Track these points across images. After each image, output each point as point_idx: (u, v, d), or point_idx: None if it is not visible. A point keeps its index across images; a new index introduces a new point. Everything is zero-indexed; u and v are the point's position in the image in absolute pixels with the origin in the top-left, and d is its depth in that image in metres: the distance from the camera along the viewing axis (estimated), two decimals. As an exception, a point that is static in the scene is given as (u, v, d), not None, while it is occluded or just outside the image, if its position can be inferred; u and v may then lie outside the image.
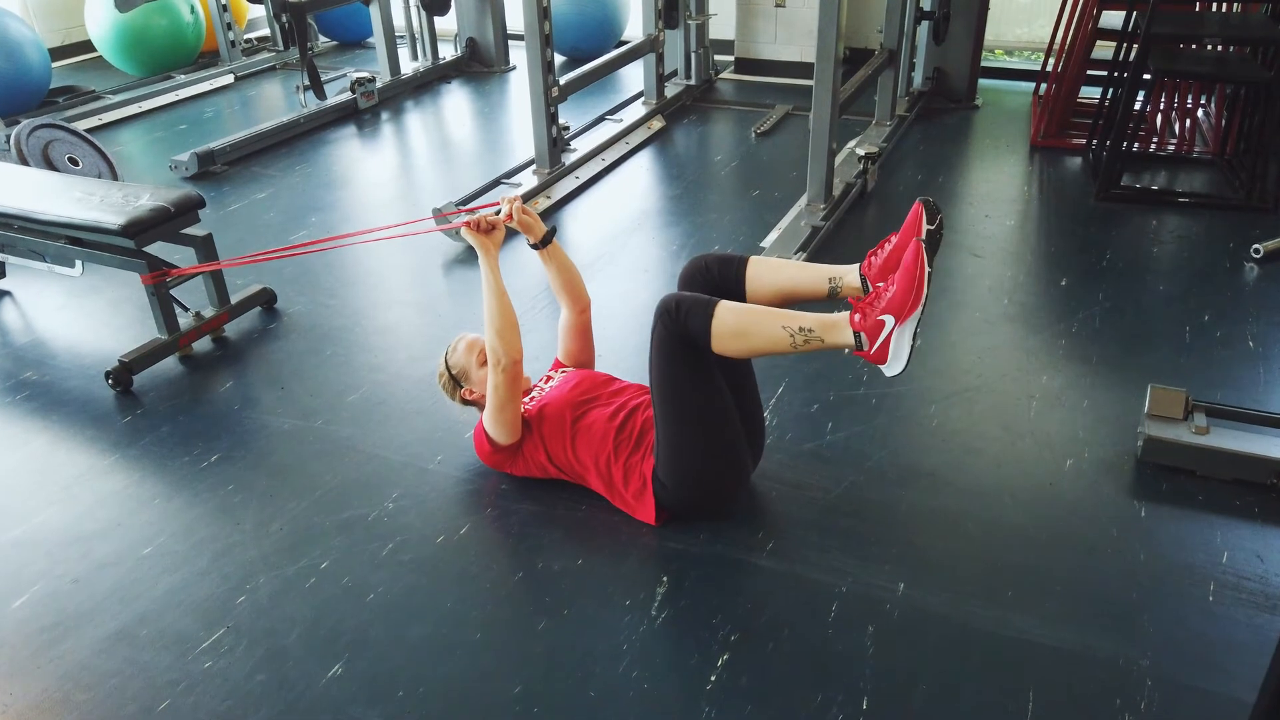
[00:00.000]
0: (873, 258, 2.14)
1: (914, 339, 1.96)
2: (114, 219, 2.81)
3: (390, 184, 4.66)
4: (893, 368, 1.99)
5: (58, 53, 6.65)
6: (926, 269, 1.91)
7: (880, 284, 2.01)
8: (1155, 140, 4.66)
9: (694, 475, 2.21)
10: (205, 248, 3.04)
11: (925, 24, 4.99)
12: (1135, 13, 4.32)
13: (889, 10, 4.57)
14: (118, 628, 2.07)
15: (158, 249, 2.98)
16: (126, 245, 2.85)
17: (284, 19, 5.05)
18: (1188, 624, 2.00)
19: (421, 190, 4.57)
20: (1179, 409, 2.49)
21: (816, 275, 2.21)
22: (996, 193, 4.26)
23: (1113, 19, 4.56)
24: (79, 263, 3.02)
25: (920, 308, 1.93)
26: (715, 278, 2.25)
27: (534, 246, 2.46)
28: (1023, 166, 4.53)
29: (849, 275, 2.17)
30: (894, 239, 2.08)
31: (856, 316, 1.99)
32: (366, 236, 3.04)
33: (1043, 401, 2.75)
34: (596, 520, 2.33)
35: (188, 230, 3.02)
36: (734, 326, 2.05)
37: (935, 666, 1.93)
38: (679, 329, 2.08)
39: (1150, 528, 2.28)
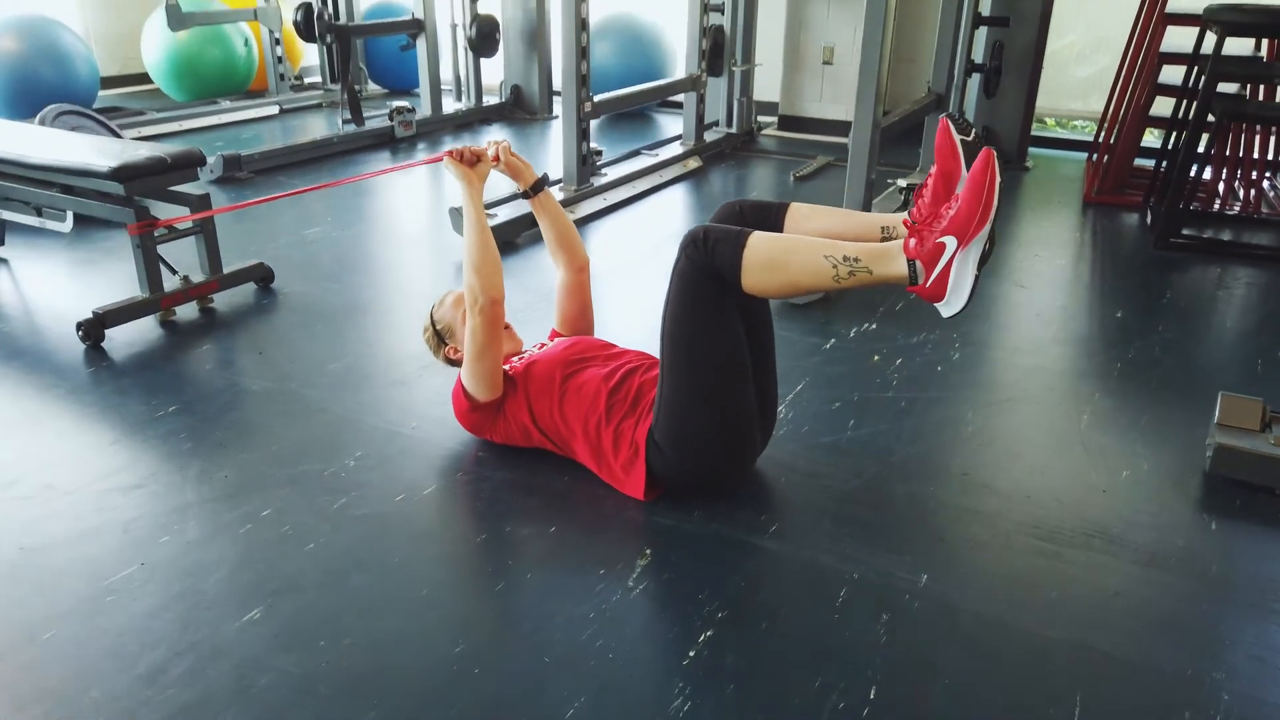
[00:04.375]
0: (919, 201, 1.89)
1: (979, 268, 1.66)
2: (106, 163, 2.68)
3: (414, 197, 4.54)
4: (952, 304, 1.69)
5: (113, 81, 6.78)
6: (996, 178, 1.61)
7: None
8: (1219, 201, 4.41)
9: (697, 436, 1.93)
10: (200, 207, 2.89)
11: (976, 77, 4.84)
12: (1196, 68, 4.15)
13: (938, 53, 4.44)
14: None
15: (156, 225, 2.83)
16: (117, 192, 2.70)
17: (329, 39, 5.06)
18: (1271, 640, 1.66)
19: (442, 209, 4.43)
20: (1255, 419, 2.17)
21: (866, 223, 1.95)
22: (1047, 237, 4.01)
23: (1172, 74, 4.39)
24: (69, 214, 2.88)
25: (989, 224, 1.63)
26: (750, 223, 2.01)
27: (523, 195, 2.27)
28: (1075, 218, 4.29)
29: (902, 226, 1.91)
30: (934, 171, 1.84)
31: (912, 242, 1.70)
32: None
33: (1095, 415, 2.44)
34: (579, 490, 2.05)
35: (182, 188, 2.88)
36: (768, 257, 1.78)
37: (960, 662, 1.60)
38: (705, 261, 1.81)
39: (1223, 541, 1.94)
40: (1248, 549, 1.91)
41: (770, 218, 1.99)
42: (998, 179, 1.61)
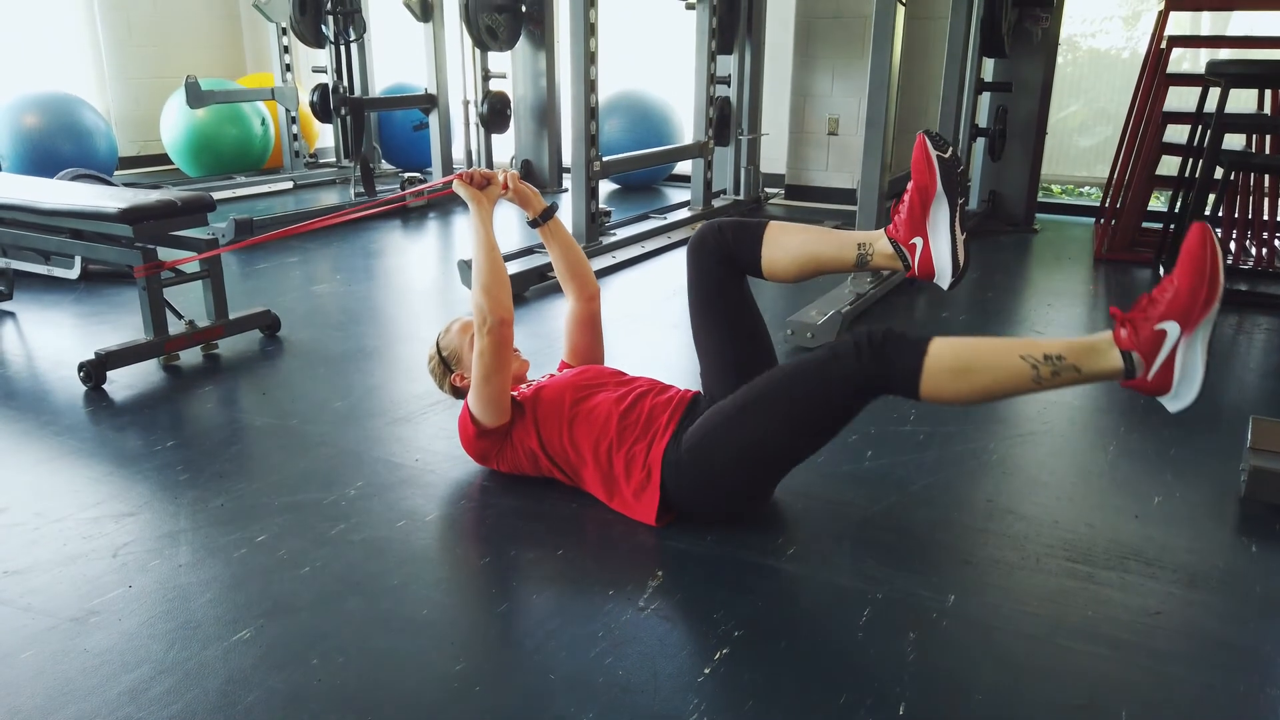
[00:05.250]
0: (896, 216, 1.87)
1: (1207, 353, 1.51)
2: (115, 205, 2.68)
3: (424, 257, 4.55)
4: (1182, 396, 1.53)
5: (131, 161, 6.92)
6: (1218, 252, 1.48)
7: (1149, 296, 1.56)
8: (1231, 257, 4.38)
9: (737, 475, 1.86)
10: (208, 250, 2.88)
11: (981, 141, 4.89)
12: (1200, 125, 4.18)
13: (942, 117, 4.48)
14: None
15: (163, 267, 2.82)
16: (126, 234, 2.70)
17: (343, 112, 5.16)
18: (1329, 657, 1.55)
19: (452, 269, 4.44)
20: (1289, 443, 2.09)
21: (843, 241, 1.92)
22: (1059, 288, 3.98)
23: (1176, 135, 4.42)
24: (77, 260, 2.88)
25: (1216, 305, 1.47)
26: (729, 242, 1.98)
27: (533, 223, 2.26)
28: (1086, 272, 4.26)
29: (880, 241, 1.88)
30: (910, 187, 1.82)
31: (1123, 331, 1.54)
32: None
33: (1121, 447, 2.36)
34: (588, 516, 1.97)
35: (190, 232, 2.88)
36: (955, 361, 1.62)
37: (995, 678, 1.50)
38: (875, 369, 1.66)
39: (1265, 562, 1.84)
40: (1293, 570, 1.81)
41: (750, 236, 1.96)
42: (1219, 254, 1.48)
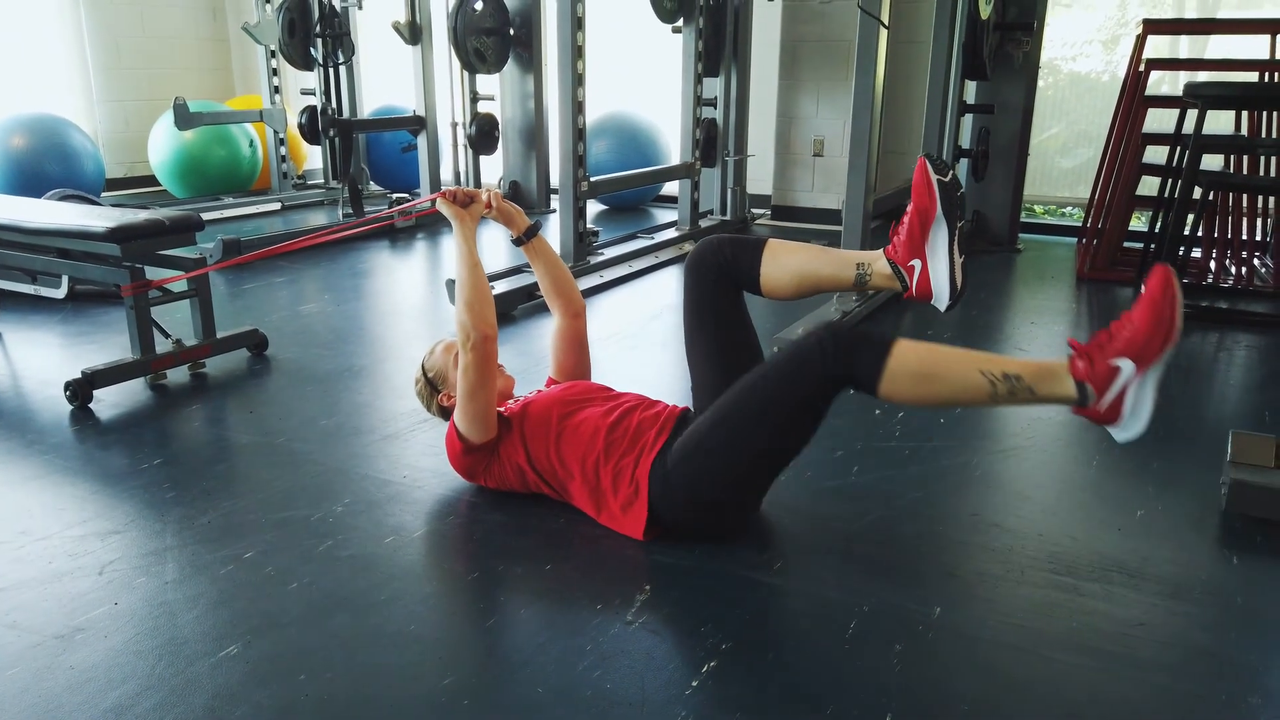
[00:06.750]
0: (895, 238, 1.90)
1: (1157, 391, 1.56)
2: (103, 224, 2.69)
3: (412, 278, 4.56)
4: (1129, 429, 1.58)
5: (119, 183, 6.90)
6: (1178, 299, 1.54)
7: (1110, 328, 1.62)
8: (1211, 276, 4.44)
9: (723, 488, 1.87)
10: (195, 269, 2.88)
11: (964, 162, 4.95)
12: (1179, 147, 4.24)
13: (926, 137, 4.54)
14: (-13, 596, 1.73)
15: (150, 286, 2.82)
16: (113, 253, 2.70)
17: (331, 133, 5.18)
18: (1309, 665, 1.57)
19: (440, 289, 4.45)
20: (1269, 456, 2.12)
21: (842, 261, 1.95)
22: (1042, 307, 4.02)
23: (1156, 156, 4.48)
24: (64, 280, 2.88)
25: (1170, 350, 1.55)
26: (728, 259, 2.00)
27: (517, 241, 2.27)
28: (1069, 291, 4.31)
29: (878, 262, 1.91)
30: (910, 209, 1.84)
31: (1080, 363, 1.60)
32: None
33: (1104, 461, 2.38)
34: (575, 531, 1.98)
35: (178, 251, 2.88)
36: (917, 368, 1.66)
37: (980, 688, 1.51)
38: (836, 368, 1.68)
39: (1246, 574, 1.86)
40: (1273, 581, 1.83)
41: (749, 253, 1.98)
42: (1179, 298, 1.53)
